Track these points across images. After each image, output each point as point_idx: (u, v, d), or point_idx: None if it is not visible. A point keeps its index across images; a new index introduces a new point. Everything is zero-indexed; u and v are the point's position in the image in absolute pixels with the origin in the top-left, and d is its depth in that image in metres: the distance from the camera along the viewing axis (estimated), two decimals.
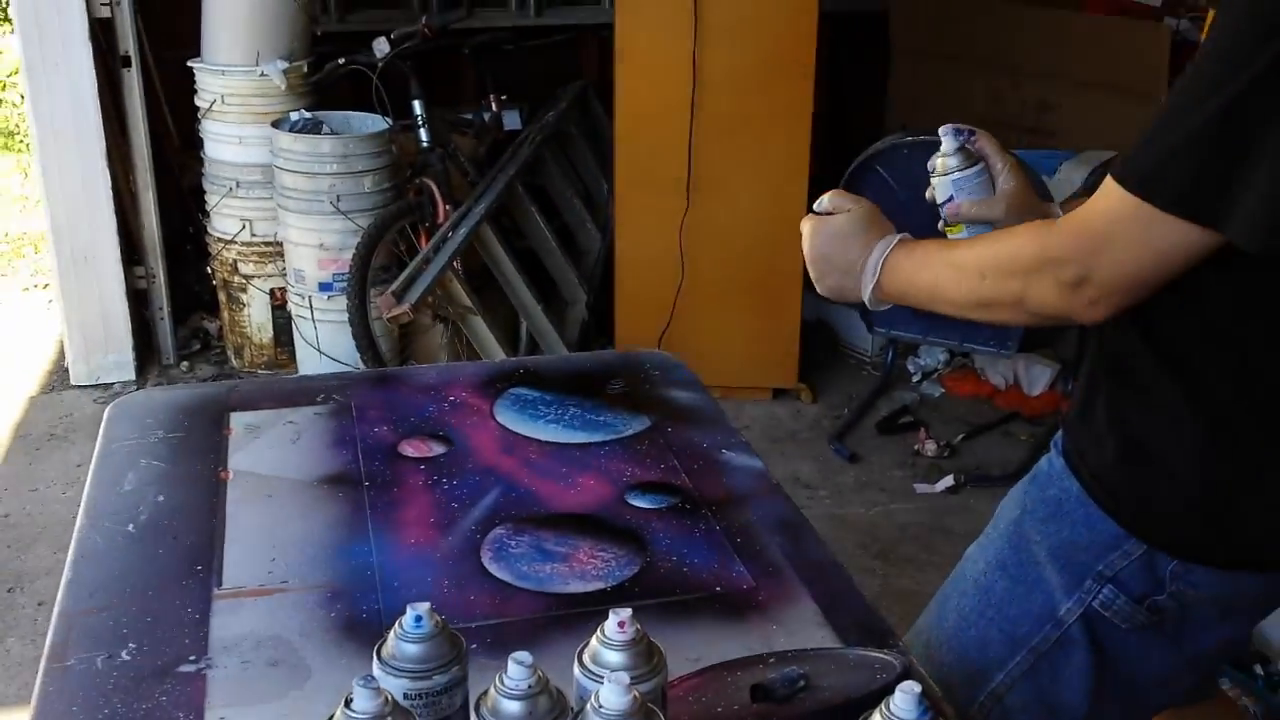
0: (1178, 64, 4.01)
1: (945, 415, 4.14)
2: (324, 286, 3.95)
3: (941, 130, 1.45)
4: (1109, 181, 1.21)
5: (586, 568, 1.51)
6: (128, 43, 4.05)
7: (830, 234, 1.48)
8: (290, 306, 4.11)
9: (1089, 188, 3.73)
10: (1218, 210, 1.14)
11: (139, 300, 4.31)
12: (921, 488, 3.68)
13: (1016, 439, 3.99)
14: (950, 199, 1.45)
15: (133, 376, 4.22)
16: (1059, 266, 1.23)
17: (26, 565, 3.19)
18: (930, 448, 3.86)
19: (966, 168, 1.44)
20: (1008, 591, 1.48)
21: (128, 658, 1.32)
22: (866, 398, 4.19)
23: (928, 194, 1.49)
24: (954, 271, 1.36)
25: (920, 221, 1.52)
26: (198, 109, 4.14)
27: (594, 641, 1.06)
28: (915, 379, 4.35)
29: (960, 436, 3.95)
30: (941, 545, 3.38)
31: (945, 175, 1.45)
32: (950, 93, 4.92)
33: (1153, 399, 1.33)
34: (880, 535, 3.44)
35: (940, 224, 1.49)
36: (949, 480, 3.67)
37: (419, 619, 1.04)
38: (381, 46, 3.91)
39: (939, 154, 1.46)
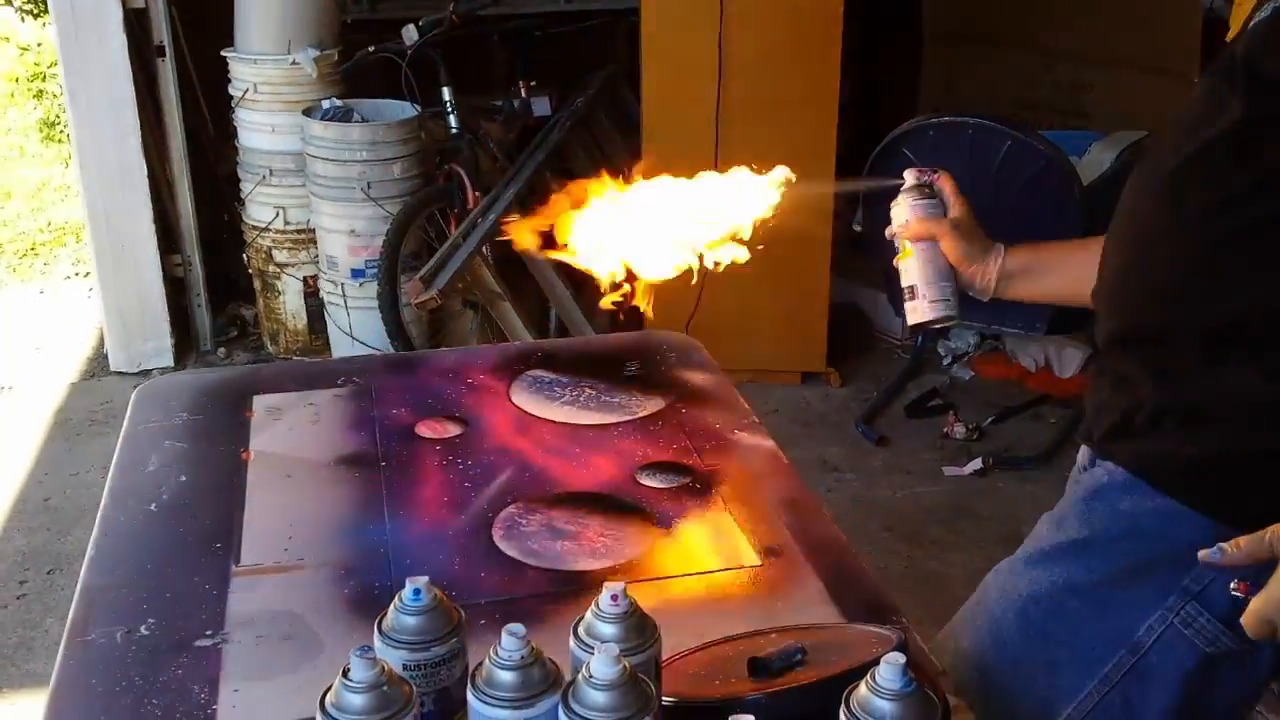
0: (1210, 42, 3.97)
1: (975, 398, 4.12)
2: (355, 273, 4.00)
3: (906, 171, 1.60)
4: None
5: (596, 545, 1.53)
6: (162, 33, 4.11)
7: None
8: (323, 293, 4.16)
9: (1117, 169, 3.70)
10: None
11: (176, 288, 4.38)
12: (949, 470, 3.67)
13: (1047, 422, 3.97)
14: (905, 223, 1.58)
15: (171, 363, 4.29)
16: None
17: (66, 548, 3.26)
18: (959, 430, 3.85)
19: (921, 199, 1.58)
20: (1079, 612, 1.41)
21: (146, 632, 1.37)
22: (895, 381, 4.18)
23: (887, 231, 1.61)
24: None
25: None
26: (231, 98, 4.20)
27: (588, 614, 1.08)
28: (945, 362, 4.33)
29: (990, 419, 3.94)
30: (968, 528, 3.38)
31: (902, 204, 1.59)
32: (983, 75, 4.89)
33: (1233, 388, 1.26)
34: (907, 518, 3.44)
35: (895, 259, 1.60)
36: (977, 463, 3.66)
37: (417, 592, 1.06)
38: (410, 34, 3.94)
39: (901, 189, 1.61)
